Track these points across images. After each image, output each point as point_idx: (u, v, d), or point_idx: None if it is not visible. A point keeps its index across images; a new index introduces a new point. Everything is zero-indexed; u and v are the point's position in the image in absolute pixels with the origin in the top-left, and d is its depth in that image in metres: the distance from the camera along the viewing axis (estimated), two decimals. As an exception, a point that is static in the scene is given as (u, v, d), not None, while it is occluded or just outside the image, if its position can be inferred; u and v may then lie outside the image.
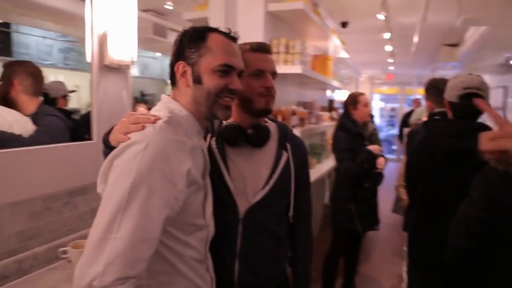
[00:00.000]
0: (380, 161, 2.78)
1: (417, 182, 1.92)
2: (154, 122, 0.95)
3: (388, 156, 10.67)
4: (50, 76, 2.07)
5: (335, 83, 4.43)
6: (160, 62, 4.82)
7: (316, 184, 3.77)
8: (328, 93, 5.95)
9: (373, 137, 3.02)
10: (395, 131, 11.59)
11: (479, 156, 1.30)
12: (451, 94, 1.81)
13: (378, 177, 2.88)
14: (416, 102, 7.63)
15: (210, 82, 1.03)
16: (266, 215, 1.32)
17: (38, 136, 1.57)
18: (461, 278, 1.59)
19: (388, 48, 6.56)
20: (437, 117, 2.03)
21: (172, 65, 1.07)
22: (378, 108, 13.72)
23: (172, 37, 3.06)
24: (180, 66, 1.05)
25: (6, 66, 1.68)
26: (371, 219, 2.90)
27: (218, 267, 1.24)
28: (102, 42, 1.65)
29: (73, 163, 1.57)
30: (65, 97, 2.06)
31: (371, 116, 7.07)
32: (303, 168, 1.42)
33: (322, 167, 4.11)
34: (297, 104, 3.76)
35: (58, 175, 1.50)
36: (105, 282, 0.81)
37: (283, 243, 1.40)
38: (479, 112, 1.77)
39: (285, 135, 1.38)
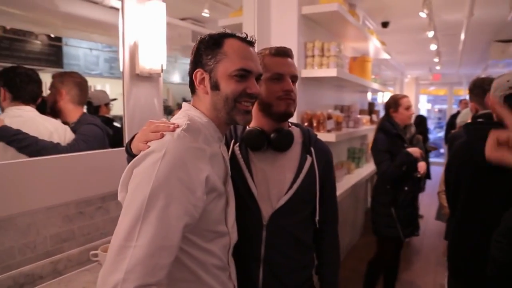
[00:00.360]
0: (421, 165, 2.66)
1: (457, 188, 1.81)
2: (173, 130, 0.96)
3: (436, 160, 10.26)
4: (97, 85, 2.18)
5: (375, 85, 4.30)
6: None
7: (355, 189, 3.67)
8: (370, 95, 5.79)
9: (414, 141, 2.89)
10: (443, 133, 11.08)
11: None
12: (495, 94, 1.68)
13: (418, 181, 2.76)
14: (463, 103, 7.21)
15: (228, 87, 1.03)
16: (290, 221, 1.29)
17: (75, 144, 1.65)
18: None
19: (433, 47, 6.27)
20: (480, 120, 1.90)
21: (190, 73, 1.08)
22: (425, 110, 13.16)
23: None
24: (198, 73, 1.05)
25: (56, 76, 1.78)
26: (412, 224, 2.78)
27: (241, 274, 1.23)
28: (133, 51, 1.70)
29: (106, 169, 1.62)
30: (107, 105, 2.16)
31: (424, 119, 6.77)
32: (328, 173, 1.39)
33: (361, 172, 3.99)
34: (335, 107, 3.68)
35: (91, 180, 1.56)
36: (130, 282, 0.81)
37: (308, 249, 1.37)
38: None
39: (309, 139, 1.36)
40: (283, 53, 1.28)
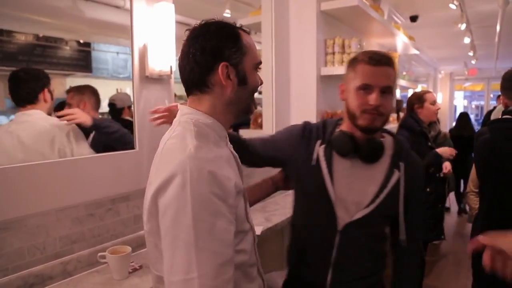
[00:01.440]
0: (446, 165, 2.53)
1: (482, 189, 1.70)
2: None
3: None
4: (127, 88, 2.22)
5: (402, 82, 4.14)
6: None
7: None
8: (398, 92, 5.60)
9: (440, 139, 2.75)
10: (480, 130, 10.58)
11: None
12: None
13: (443, 181, 2.62)
14: (501, 99, 6.85)
15: (254, 80, 1.01)
16: (366, 232, 1.27)
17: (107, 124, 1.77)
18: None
19: (467, 40, 5.99)
20: (507, 116, 1.77)
21: (204, 68, 0.94)
22: (462, 107, 12.62)
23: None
24: (223, 67, 0.93)
25: (73, 90, 1.84)
26: (437, 228, 2.64)
27: (310, 276, 1.30)
28: (143, 53, 1.71)
29: (116, 171, 1.63)
30: (130, 107, 2.19)
31: (467, 117, 6.44)
32: (415, 189, 1.32)
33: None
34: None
35: (101, 183, 1.58)
36: None
37: (381, 257, 1.34)
38: None
39: (400, 152, 1.30)
40: (377, 61, 1.20)
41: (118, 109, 2.12)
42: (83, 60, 1.99)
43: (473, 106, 12.70)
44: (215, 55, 0.93)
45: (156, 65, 1.71)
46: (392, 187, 1.25)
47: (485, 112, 11.00)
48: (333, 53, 2.86)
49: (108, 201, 1.61)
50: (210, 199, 0.83)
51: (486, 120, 6.56)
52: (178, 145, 0.89)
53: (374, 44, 4.05)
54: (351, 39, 2.82)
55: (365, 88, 1.20)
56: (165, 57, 1.71)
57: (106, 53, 2.15)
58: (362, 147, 1.25)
